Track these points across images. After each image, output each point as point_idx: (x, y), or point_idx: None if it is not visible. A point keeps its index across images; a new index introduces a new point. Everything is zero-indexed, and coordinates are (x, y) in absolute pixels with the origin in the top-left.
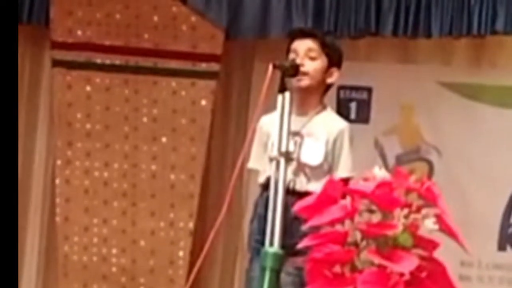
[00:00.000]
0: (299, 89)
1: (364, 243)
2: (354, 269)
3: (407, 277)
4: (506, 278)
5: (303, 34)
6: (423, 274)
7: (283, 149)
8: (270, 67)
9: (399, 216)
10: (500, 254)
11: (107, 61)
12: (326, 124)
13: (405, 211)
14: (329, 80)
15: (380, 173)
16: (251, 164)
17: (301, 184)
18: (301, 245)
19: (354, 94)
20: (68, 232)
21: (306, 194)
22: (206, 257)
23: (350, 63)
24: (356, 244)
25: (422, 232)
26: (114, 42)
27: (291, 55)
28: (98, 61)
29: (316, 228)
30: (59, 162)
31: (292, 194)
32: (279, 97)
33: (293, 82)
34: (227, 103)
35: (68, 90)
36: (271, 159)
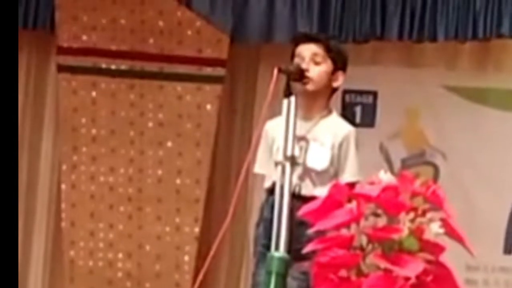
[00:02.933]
0: (304, 93)
1: (370, 247)
2: (360, 273)
3: (413, 281)
4: None
5: (307, 38)
6: (429, 278)
7: (289, 153)
8: (275, 71)
9: (405, 220)
10: (506, 258)
11: (113, 66)
12: (332, 129)
13: (411, 215)
14: (335, 84)
15: (385, 177)
16: (257, 169)
17: (307, 189)
18: (306, 249)
19: (359, 98)
20: (74, 237)
21: (312, 199)
22: (211, 262)
23: (355, 67)
24: (362, 248)
25: (427, 236)
26: (120, 47)
27: (296, 60)
28: (104, 66)
29: (322, 232)
30: (64, 167)
31: (298, 199)
32: (285, 101)
33: (299, 86)
34: (232, 108)
35: (74, 95)
36: (276, 164)
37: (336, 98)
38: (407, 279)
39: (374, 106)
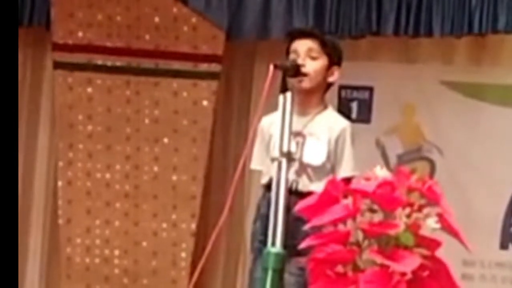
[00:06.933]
0: (300, 90)
1: (366, 242)
2: (356, 268)
3: (409, 276)
4: (509, 277)
5: (302, 34)
6: (425, 273)
7: (285, 149)
8: (271, 67)
9: (401, 216)
10: (502, 253)
11: (108, 63)
12: (328, 124)
13: (407, 210)
14: (330, 79)
15: (381, 172)
16: (253, 165)
17: (304, 184)
18: (303, 245)
19: (355, 94)
20: (71, 233)
21: (308, 194)
22: (208, 258)
23: (351, 63)
24: (358, 244)
25: (424, 231)
26: (115, 44)
27: (292, 56)
28: (99, 62)
29: (318, 228)
30: (61, 164)
31: (295, 194)
32: (281, 97)
33: (295, 83)
34: (228, 104)
35: (70, 91)
36: (273, 160)
37: (332, 94)
38: (403, 274)
39: (370, 101)
